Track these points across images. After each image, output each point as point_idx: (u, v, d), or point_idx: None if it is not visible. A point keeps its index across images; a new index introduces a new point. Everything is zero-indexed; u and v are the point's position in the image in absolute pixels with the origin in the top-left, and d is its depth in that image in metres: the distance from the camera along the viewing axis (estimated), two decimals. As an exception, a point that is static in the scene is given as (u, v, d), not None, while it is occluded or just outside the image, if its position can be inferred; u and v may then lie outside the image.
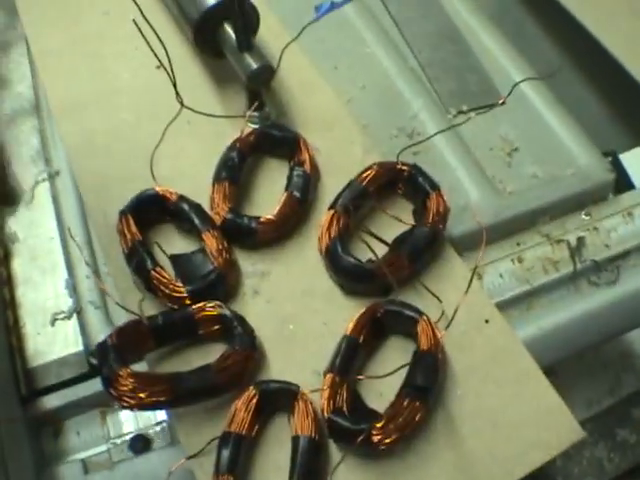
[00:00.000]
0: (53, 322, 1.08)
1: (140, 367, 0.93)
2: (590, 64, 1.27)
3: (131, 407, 0.85)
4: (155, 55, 0.96)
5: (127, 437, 1.00)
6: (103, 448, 1.00)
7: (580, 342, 1.09)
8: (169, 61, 0.97)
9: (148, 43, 0.96)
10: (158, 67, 1.12)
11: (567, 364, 1.10)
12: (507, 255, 1.12)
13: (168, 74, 0.97)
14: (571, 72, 1.32)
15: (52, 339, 1.07)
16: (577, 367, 1.23)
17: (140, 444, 0.98)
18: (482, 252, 0.89)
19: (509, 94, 1.03)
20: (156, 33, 0.95)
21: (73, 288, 1.10)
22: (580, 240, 1.13)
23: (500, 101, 1.15)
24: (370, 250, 0.88)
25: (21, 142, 1.29)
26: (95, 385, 1.01)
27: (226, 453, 0.85)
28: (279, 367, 0.95)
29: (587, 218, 1.17)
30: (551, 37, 1.34)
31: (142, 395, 0.84)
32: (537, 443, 0.88)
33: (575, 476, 1.36)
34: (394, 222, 1.01)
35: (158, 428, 1.00)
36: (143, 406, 0.85)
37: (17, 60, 1.42)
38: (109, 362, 0.86)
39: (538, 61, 1.35)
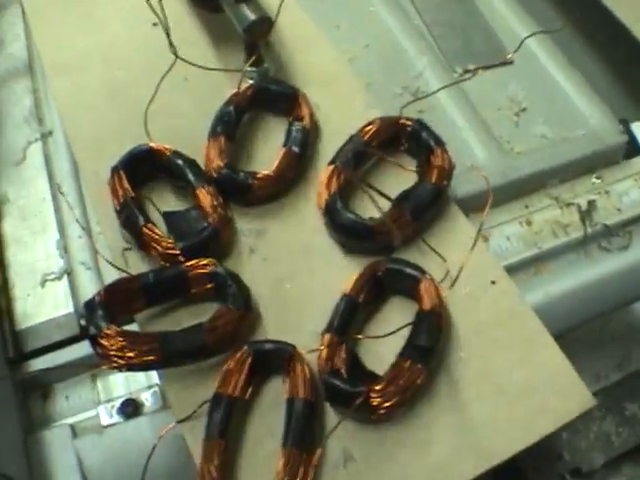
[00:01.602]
0: (43, 283, 1.05)
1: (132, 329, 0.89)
2: (598, 26, 1.23)
3: (119, 367, 0.82)
4: (151, 8, 0.93)
5: (117, 401, 0.97)
6: (93, 413, 0.97)
7: (589, 310, 1.06)
8: (164, 16, 0.94)
9: (145, -2, 0.93)
10: (155, 24, 1.10)
11: (575, 335, 1.07)
12: (515, 218, 1.10)
13: (161, 22, 0.93)
14: (580, 35, 1.28)
15: (42, 300, 1.04)
16: (585, 339, 1.20)
17: (130, 408, 0.96)
18: (487, 207, 0.84)
19: (517, 50, 1.00)
20: (152, -13, 0.92)
21: (64, 249, 1.08)
22: (591, 203, 1.10)
23: (508, 56, 1.12)
24: (373, 204, 0.85)
25: (14, 102, 1.27)
26: (85, 348, 0.98)
27: (217, 416, 0.81)
28: (275, 328, 0.91)
29: (598, 181, 1.14)
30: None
31: (130, 354, 0.80)
32: (545, 410, 0.84)
33: (582, 450, 1.33)
34: (396, 179, 0.98)
35: (149, 392, 0.97)
36: (131, 366, 0.82)
37: (11, 21, 1.40)
38: (96, 320, 0.83)
39: (546, 22, 1.31)
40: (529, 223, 1.08)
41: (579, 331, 1.09)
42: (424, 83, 1.21)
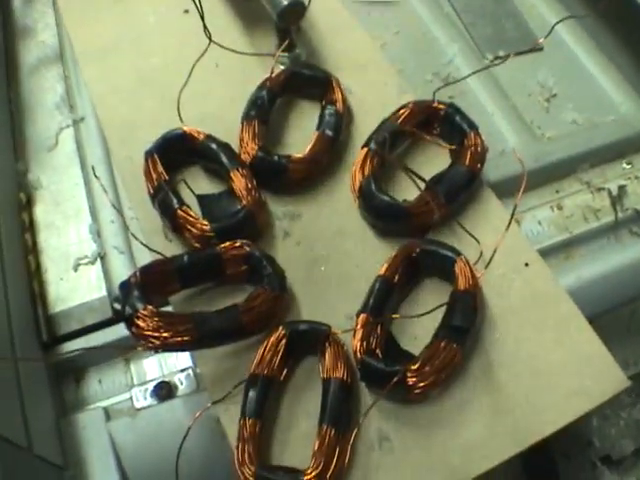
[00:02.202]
0: (76, 267, 1.06)
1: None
2: (629, 13, 1.23)
3: (154, 347, 0.82)
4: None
5: (151, 384, 0.97)
6: (126, 396, 0.98)
7: (620, 295, 1.06)
8: (199, 1, 0.94)
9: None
10: (186, 11, 1.10)
11: (604, 322, 1.06)
12: (546, 202, 1.10)
13: (197, 6, 0.93)
14: (610, 22, 1.28)
15: (75, 285, 1.05)
16: (614, 326, 1.19)
17: (164, 391, 0.96)
18: (521, 190, 0.85)
19: (547, 35, 1.00)
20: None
21: (97, 233, 1.08)
22: (621, 189, 1.10)
23: (540, 41, 1.12)
24: (412, 181, 0.85)
25: (46, 89, 1.28)
26: (119, 331, 0.99)
27: (253, 396, 0.82)
28: (309, 310, 0.91)
29: (629, 167, 1.14)
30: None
31: (166, 335, 0.80)
32: (579, 391, 0.84)
33: (612, 437, 1.33)
34: (429, 162, 0.98)
35: (183, 375, 0.97)
36: (167, 346, 0.82)
37: (41, 10, 1.41)
38: (132, 301, 0.83)
39: (577, 9, 1.31)
40: (560, 208, 1.08)
41: (608, 317, 1.08)
42: (455, 69, 1.21)
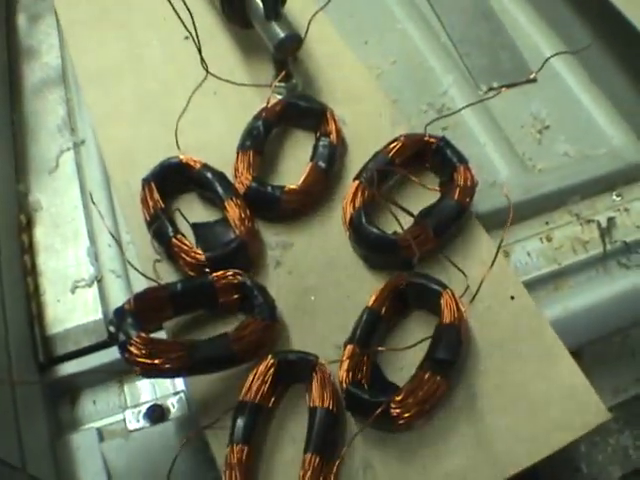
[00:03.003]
0: (74, 290, 1.07)
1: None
2: (623, 45, 1.24)
3: (146, 373, 0.84)
4: (183, 24, 0.96)
5: (144, 407, 0.98)
6: (119, 417, 0.99)
7: (608, 325, 1.07)
8: (196, 30, 0.96)
9: (177, 13, 0.95)
10: (186, 38, 1.13)
11: (593, 349, 1.08)
12: (536, 234, 1.11)
13: (194, 40, 0.96)
14: (604, 54, 1.29)
15: (72, 307, 1.06)
16: (604, 352, 1.20)
17: (156, 414, 0.97)
18: (507, 224, 0.86)
19: (540, 68, 1.02)
20: (185, 3, 0.94)
21: (95, 256, 1.10)
22: (611, 221, 1.11)
23: (532, 75, 1.13)
24: (395, 220, 0.87)
25: (48, 111, 1.29)
26: (113, 353, 1.00)
27: (241, 422, 0.84)
28: (299, 339, 0.93)
29: (618, 199, 1.15)
30: (584, 16, 1.31)
31: (157, 361, 0.82)
32: (561, 423, 0.86)
33: (600, 463, 1.34)
34: (420, 195, 1.00)
35: (175, 398, 0.98)
36: (158, 373, 0.84)
37: (46, 31, 1.42)
38: (125, 327, 0.84)
39: (572, 41, 1.32)
40: (549, 239, 1.10)
41: (599, 344, 1.09)
42: (449, 100, 1.23)
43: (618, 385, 1.23)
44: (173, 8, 0.95)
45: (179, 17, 0.96)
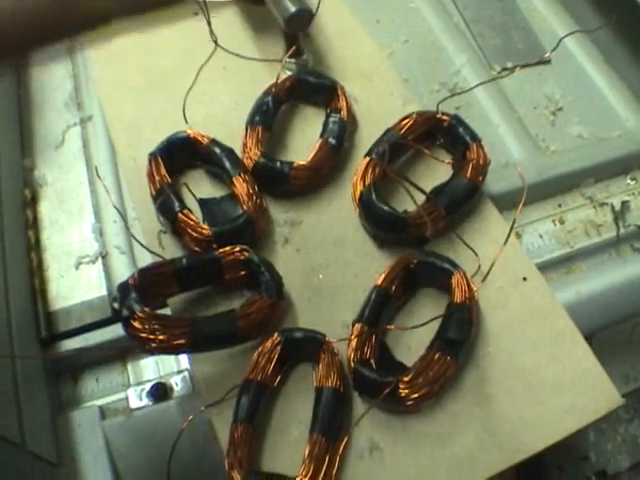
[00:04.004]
0: (78, 266, 1.06)
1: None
2: (638, 26, 1.23)
3: (150, 350, 0.82)
4: (194, -1, 0.94)
5: (147, 385, 0.97)
6: (122, 395, 0.98)
7: (620, 311, 1.05)
8: (206, 5, 0.94)
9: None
10: (195, 14, 1.10)
11: (604, 335, 1.06)
12: (548, 216, 1.10)
13: (203, 13, 0.94)
14: (618, 35, 1.27)
15: (76, 283, 1.05)
16: (614, 340, 1.19)
17: (159, 392, 0.96)
18: (521, 205, 0.84)
19: (554, 49, 1.01)
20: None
21: (99, 232, 1.09)
22: (624, 204, 1.09)
23: (546, 55, 1.12)
24: (409, 195, 0.85)
25: (55, 87, 1.28)
26: (117, 331, 0.98)
27: (246, 401, 0.82)
28: (306, 318, 0.92)
29: (633, 182, 1.14)
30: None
31: (161, 337, 0.81)
32: (572, 408, 0.84)
33: (609, 453, 1.32)
34: (432, 173, 0.99)
35: (179, 377, 0.97)
36: (162, 349, 0.82)
37: (54, 7, 1.40)
38: (129, 302, 0.83)
39: (586, 22, 1.31)
40: (562, 222, 1.08)
41: (609, 332, 1.08)
42: (462, 80, 1.21)
43: (628, 373, 1.22)
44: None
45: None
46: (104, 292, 1.03)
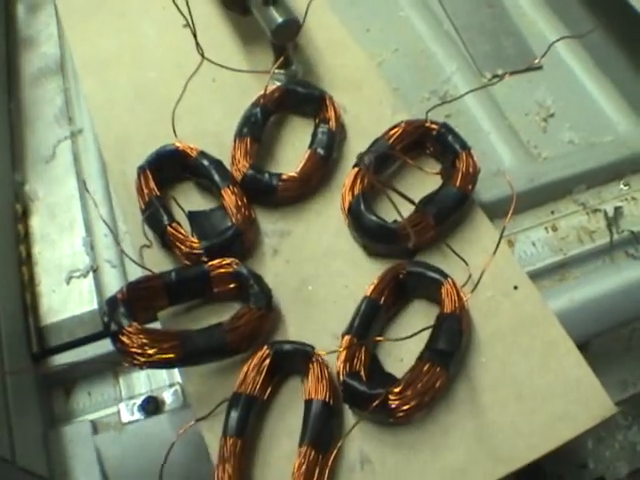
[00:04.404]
0: (69, 280, 1.06)
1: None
2: (628, 31, 1.22)
3: (139, 364, 0.82)
4: (179, 11, 0.94)
5: (139, 399, 0.97)
6: (114, 409, 0.98)
7: (615, 317, 1.05)
8: (192, 18, 0.94)
9: (174, 1, 0.94)
10: (185, 26, 1.11)
11: (601, 341, 1.06)
12: (541, 223, 1.09)
13: (189, 25, 0.94)
14: (609, 41, 1.27)
15: (67, 297, 1.05)
16: (611, 346, 1.18)
17: (151, 406, 0.96)
18: (510, 212, 0.84)
19: (545, 54, 0.99)
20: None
21: (90, 246, 1.09)
22: (618, 210, 1.09)
23: (536, 61, 1.12)
24: (394, 207, 0.85)
25: (45, 101, 1.28)
26: (108, 345, 0.97)
27: (235, 415, 0.82)
28: (296, 329, 0.91)
29: (625, 188, 1.13)
30: (588, 1, 1.29)
31: (151, 352, 0.80)
32: (565, 417, 0.83)
33: (607, 460, 1.32)
34: (421, 183, 0.98)
35: (171, 390, 0.97)
36: (151, 363, 0.82)
37: (45, 21, 1.42)
38: (118, 317, 0.83)
39: (576, 27, 1.31)
40: (555, 229, 1.08)
41: (606, 338, 1.08)
42: (452, 87, 1.21)
43: (627, 380, 1.21)
44: (171, -5, 0.94)
45: (176, 5, 0.94)
46: (95, 306, 1.03)
